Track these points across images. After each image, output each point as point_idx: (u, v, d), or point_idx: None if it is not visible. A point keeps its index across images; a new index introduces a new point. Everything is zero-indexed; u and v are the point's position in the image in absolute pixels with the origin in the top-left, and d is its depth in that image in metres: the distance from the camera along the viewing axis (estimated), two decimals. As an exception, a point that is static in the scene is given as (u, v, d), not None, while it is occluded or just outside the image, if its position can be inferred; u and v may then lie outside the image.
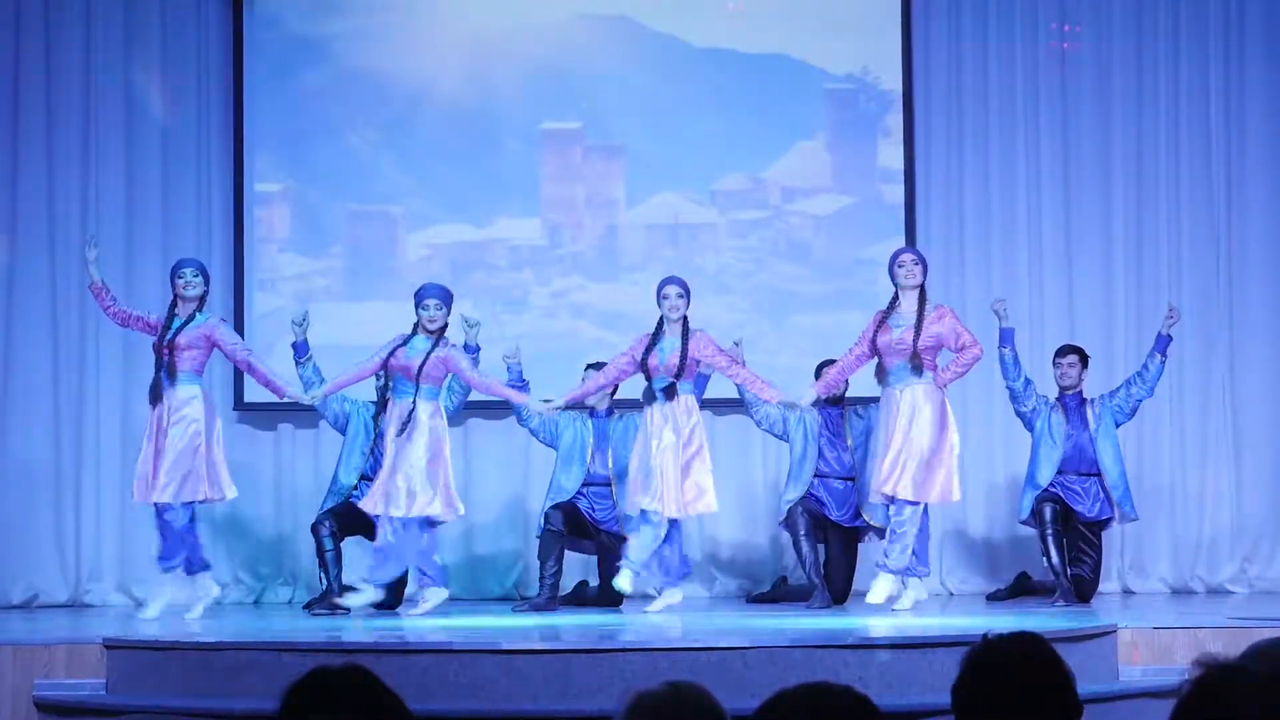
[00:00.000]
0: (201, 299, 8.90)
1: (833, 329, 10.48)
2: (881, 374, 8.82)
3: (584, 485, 9.56)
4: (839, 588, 9.62)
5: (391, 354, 8.89)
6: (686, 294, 8.94)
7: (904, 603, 8.76)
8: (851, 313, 10.39)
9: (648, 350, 8.89)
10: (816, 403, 9.27)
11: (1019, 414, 9.70)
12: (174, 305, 8.89)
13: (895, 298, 8.87)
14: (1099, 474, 9.56)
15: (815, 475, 9.58)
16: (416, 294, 9.02)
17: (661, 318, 8.94)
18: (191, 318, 8.83)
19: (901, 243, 10.70)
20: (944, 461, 8.66)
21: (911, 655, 6.81)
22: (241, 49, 10.72)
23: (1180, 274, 10.73)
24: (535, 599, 9.44)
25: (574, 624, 8.64)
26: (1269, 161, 10.76)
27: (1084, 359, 9.72)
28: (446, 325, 8.98)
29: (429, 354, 8.84)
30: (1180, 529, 10.65)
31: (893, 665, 6.77)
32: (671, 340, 8.89)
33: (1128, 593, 10.54)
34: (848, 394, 9.69)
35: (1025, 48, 10.83)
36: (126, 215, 10.58)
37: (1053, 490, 9.55)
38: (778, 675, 6.45)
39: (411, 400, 8.81)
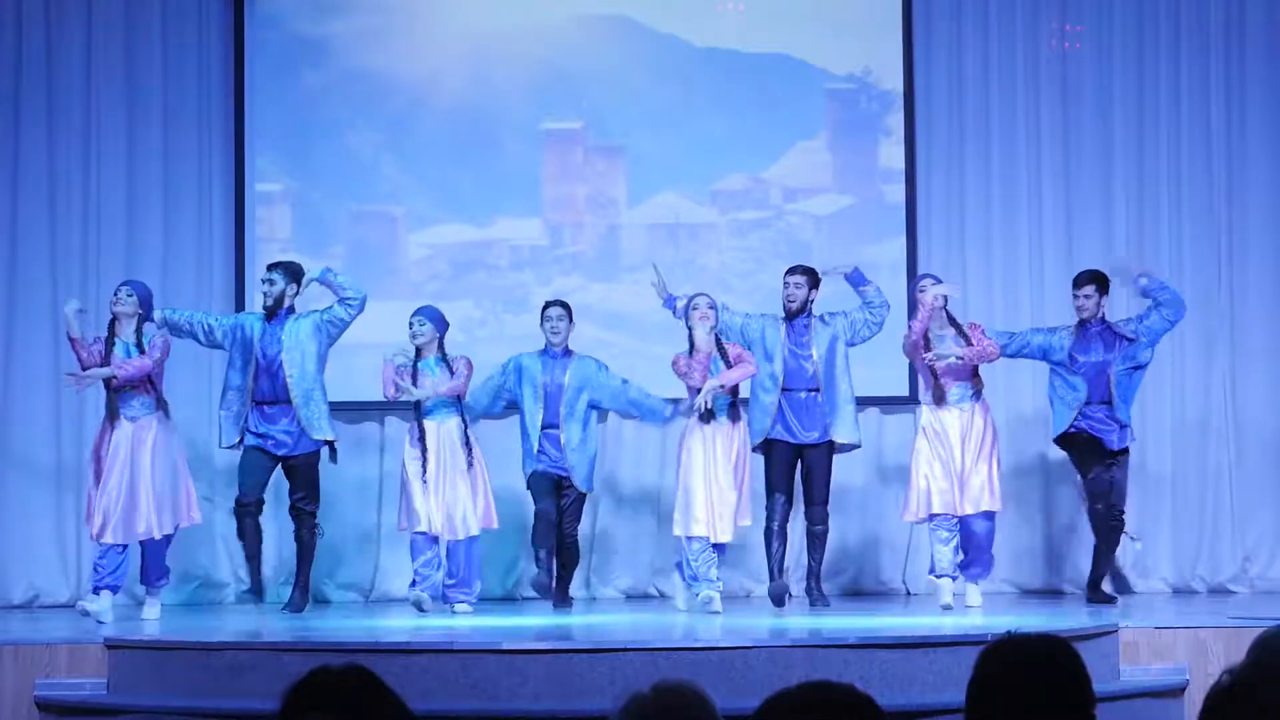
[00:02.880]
0: (140, 319, 8.93)
1: (833, 329, 10.48)
2: (940, 394, 9.18)
3: (542, 431, 9.51)
4: (818, 498, 9.43)
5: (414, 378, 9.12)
6: (715, 309, 9.28)
7: (973, 599, 9.21)
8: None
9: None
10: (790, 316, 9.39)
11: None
12: (113, 324, 8.94)
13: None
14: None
15: (780, 390, 9.42)
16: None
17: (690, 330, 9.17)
18: (140, 343, 8.86)
19: (902, 243, 10.72)
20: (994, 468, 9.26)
21: (912, 655, 6.81)
22: (242, 49, 10.71)
23: (1181, 272, 10.70)
24: (536, 577, 9.37)
25: (576, 623, 8.64)
26: (1270, 159, 10.75)
27: (1103, 287, 9.53)
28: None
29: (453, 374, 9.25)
30: (1182, 528, 10.63)
31: (892, 663, 6.77)
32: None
33: (1129, 592, 10.52)
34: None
35: (1026, 47, 10.81)
36: (128, 215, 10.56)
37: (1093, 466, 9.40)
38: (778, 674, 6.46)
39: (461, 419, 9.24)
